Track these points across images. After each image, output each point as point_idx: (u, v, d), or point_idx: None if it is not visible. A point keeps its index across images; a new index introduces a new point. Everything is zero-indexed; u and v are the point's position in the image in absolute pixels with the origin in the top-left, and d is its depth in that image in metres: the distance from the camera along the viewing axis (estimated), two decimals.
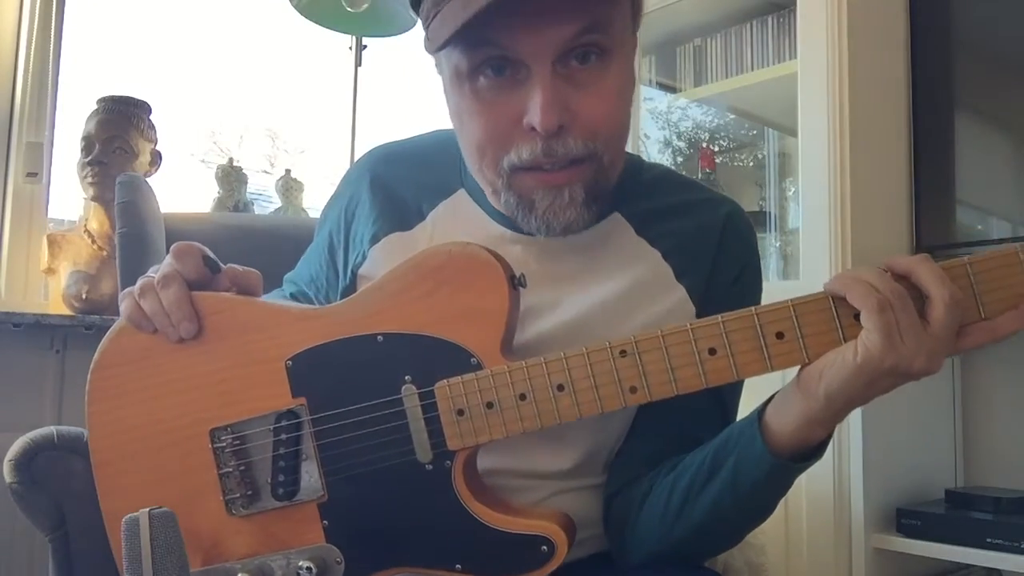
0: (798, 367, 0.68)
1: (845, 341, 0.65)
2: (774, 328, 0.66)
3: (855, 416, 1.55)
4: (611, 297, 0.82)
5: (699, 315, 0.82)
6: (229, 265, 0.82)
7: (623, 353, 0.69)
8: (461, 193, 0.88)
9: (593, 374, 0.69)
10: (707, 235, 0.85)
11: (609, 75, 0.75)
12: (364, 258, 0.88)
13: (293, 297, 0.99)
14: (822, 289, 0.66)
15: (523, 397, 0.71)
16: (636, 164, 0.89)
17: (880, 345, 0.62)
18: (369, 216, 0.89)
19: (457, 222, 0.86)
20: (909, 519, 1.52)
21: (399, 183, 0.90)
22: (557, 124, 0.72)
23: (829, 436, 0.70)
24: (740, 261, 0.86)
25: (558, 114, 0.72)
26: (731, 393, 0.85)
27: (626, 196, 0.85)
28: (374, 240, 0.88)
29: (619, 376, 0.69)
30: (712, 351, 0.67)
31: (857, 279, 0.63)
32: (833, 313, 0.65)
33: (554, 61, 0.72)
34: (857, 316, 0.64)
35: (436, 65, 0.81)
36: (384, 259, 0.85)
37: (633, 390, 0.69)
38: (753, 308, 0.67)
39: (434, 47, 0.75)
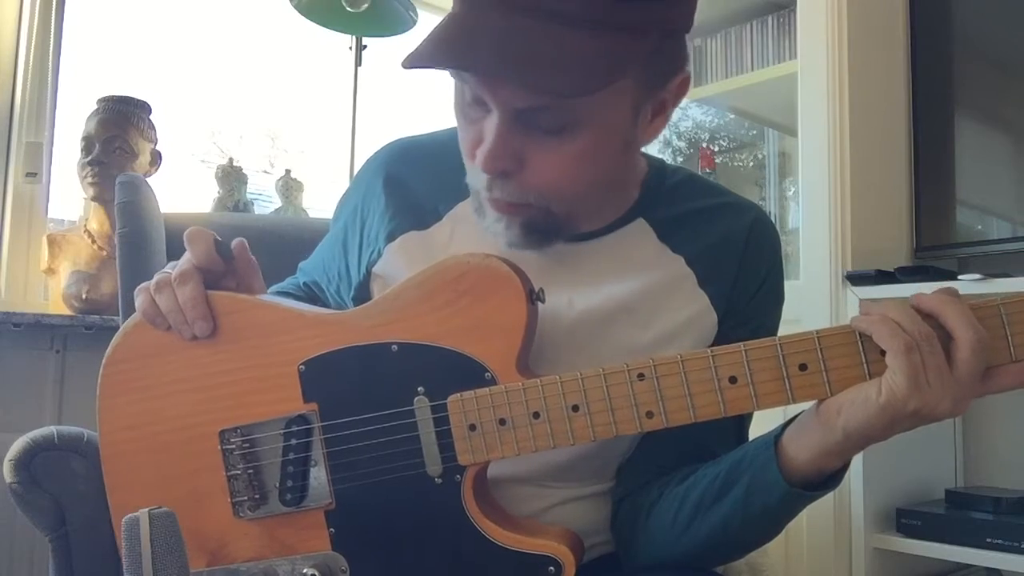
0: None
1: (870, 377, 0.63)
2: (797, 359, 0.65)
3: None
4: (626, 297, 0.81)
5: (721, 323, 0.82)
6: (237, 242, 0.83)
7: (641, 376, 0.67)
8: None
9: (609, 396, 0.68)
10: (732, 243, 0.84)
11: (576, 141, 0.72)
12: (379, 255, 0.87)
13: (306, 286, 0.99)
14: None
15: (536, 416, 0.70)
16: (659, 168, 0.88)
17: (905, 387, 0.61)
18: (384, 213, 0.88)
19: (476, 226, 0.84)
20: (909, 519, 1.52)
21: (415, 180, 0.89)
22: (500, 171, 0.72)
23: (845, 466, 0.69)
24: (764, 269, 0.86)
25: (504, 162, 0.71)
26: None
27: (649, 201, 0.84)
28: (390, 238, 0.87)
29: (636, 400, 0.68)
30: (732, 379, 0.66)
31: (884, 318, 0.62)
32: (859, 347, 0.64)
33: (516, 112, 0.70)
34: (884, 352, 0.62)
35: None
36: (400, 258, 0.85)
37: (650, 415, 0.67)
38: (776, 338, 0.65)
39: (404, 65, 0.73)
